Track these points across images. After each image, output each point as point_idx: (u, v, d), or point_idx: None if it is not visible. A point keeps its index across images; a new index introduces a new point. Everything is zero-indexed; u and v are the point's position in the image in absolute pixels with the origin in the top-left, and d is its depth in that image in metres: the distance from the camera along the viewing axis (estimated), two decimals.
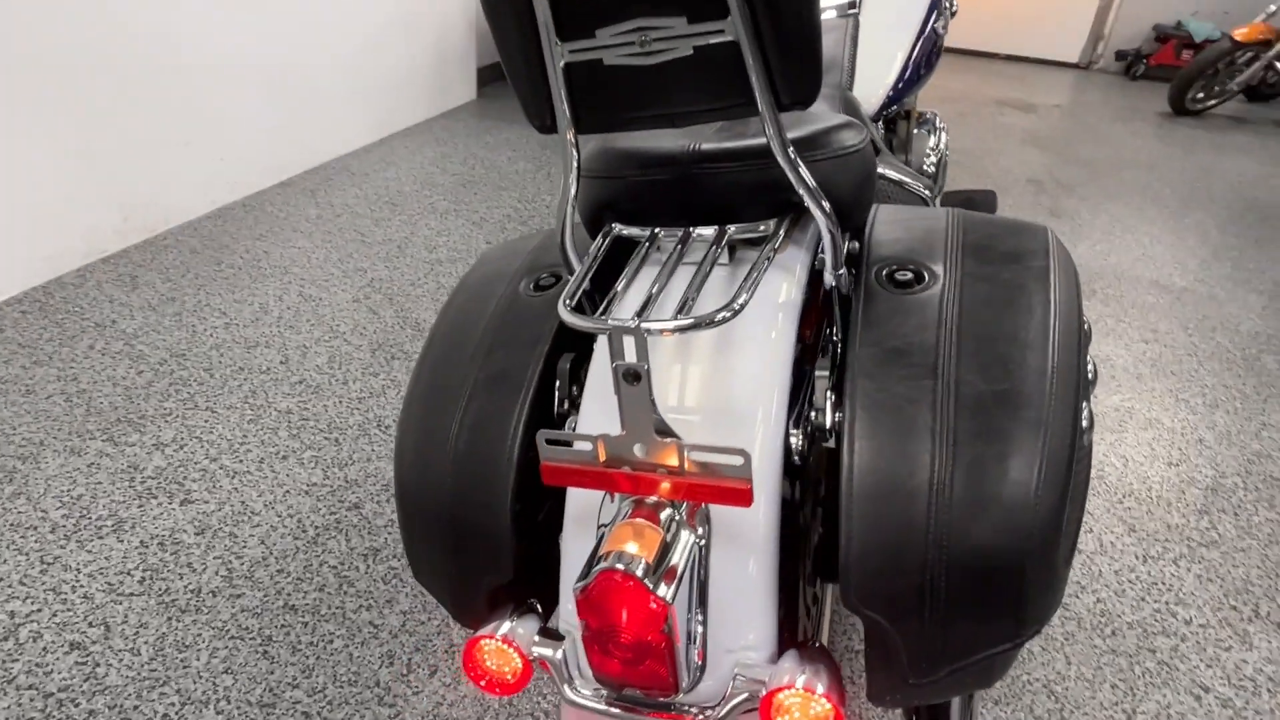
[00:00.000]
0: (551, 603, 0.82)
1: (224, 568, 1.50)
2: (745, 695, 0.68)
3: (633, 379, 0.63)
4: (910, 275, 0.80)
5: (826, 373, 0.79)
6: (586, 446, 0.66)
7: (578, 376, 0.84)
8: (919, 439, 0.67)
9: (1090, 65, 6.00)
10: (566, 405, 0.83)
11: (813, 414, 0.77)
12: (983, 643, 0.67)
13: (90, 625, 1.39)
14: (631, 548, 0.65)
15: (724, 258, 0.81)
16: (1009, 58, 6.14)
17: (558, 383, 0.83)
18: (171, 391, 1.95)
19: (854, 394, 0.71)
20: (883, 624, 0.67)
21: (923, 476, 0.66)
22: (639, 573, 0.63)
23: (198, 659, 1.34)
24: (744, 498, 0.62)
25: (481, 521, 0.77)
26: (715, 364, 0.77)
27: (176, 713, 1.26)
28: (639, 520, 0.67)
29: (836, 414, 0.76)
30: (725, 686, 0.70)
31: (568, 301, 0.72)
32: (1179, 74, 4.81)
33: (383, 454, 1.79)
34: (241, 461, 1.75)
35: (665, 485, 0.65)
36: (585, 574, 0.66)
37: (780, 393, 0.75)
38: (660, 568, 0.64)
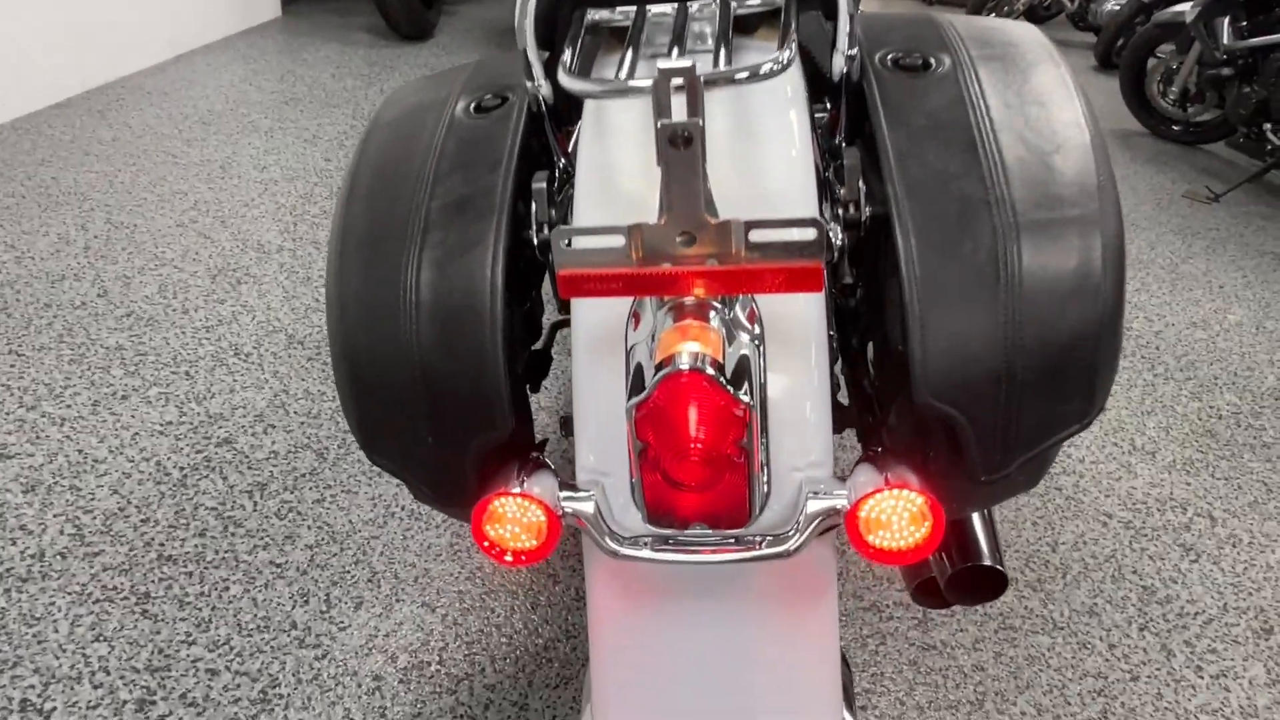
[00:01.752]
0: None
1: (70, 525, 1.24)
2: (822, 515, 0.61)
3: (682, 141, 0.52)
4: (918, 61, 0.74)
5: (849, 162, 0.71)
6: (617, 241, 0.54)
7: (553, 199, 0.72)
8: (975, 213, 0.62)
9: None
10: (546, 230, 0.70)
11: (840, 209, 0.70)
12: (1055, 426, 0.63)
13: None
14: (693, 347, 0.55)
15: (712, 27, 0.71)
16: None
17: (534, 205, 0.70)
18: None
19: (893, 175, 0.64)
20: (956, 418, 0.62)
21: (986, 250, 0.61)
22: (712, 371, 0.54)
23: (56, 631, 1.10)
24: (814, 280, 0.53)
25: (466, 371, 0.64)
26: (736, 147, 0.67)
27: (39, 695, 1.02)
28: (689, 323, 0.57)
29: (868, 207, 0.69)
30: (794, 512, 0.62)
31: (570, 68, 0.60)
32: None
33: (247, 383, 1.55)
34: (69, 406, 1.46)
35: (715, 278, 0.55)
36: (640, 388, 0.55)
37: (810, 177, 0.67)
38: (729, 370, 0.55)
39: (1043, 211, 0.61)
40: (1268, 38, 2.74)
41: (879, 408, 0.80)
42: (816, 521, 0.60)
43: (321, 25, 3.73)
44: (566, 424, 0.76)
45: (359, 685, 1.07)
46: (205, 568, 1.20)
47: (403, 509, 1.33)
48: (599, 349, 0.65)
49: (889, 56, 0.74)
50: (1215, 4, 2.85)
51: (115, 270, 1.84)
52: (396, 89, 0.86)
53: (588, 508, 0.62)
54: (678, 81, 0.48)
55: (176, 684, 1.05)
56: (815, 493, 0.61)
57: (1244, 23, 2.83)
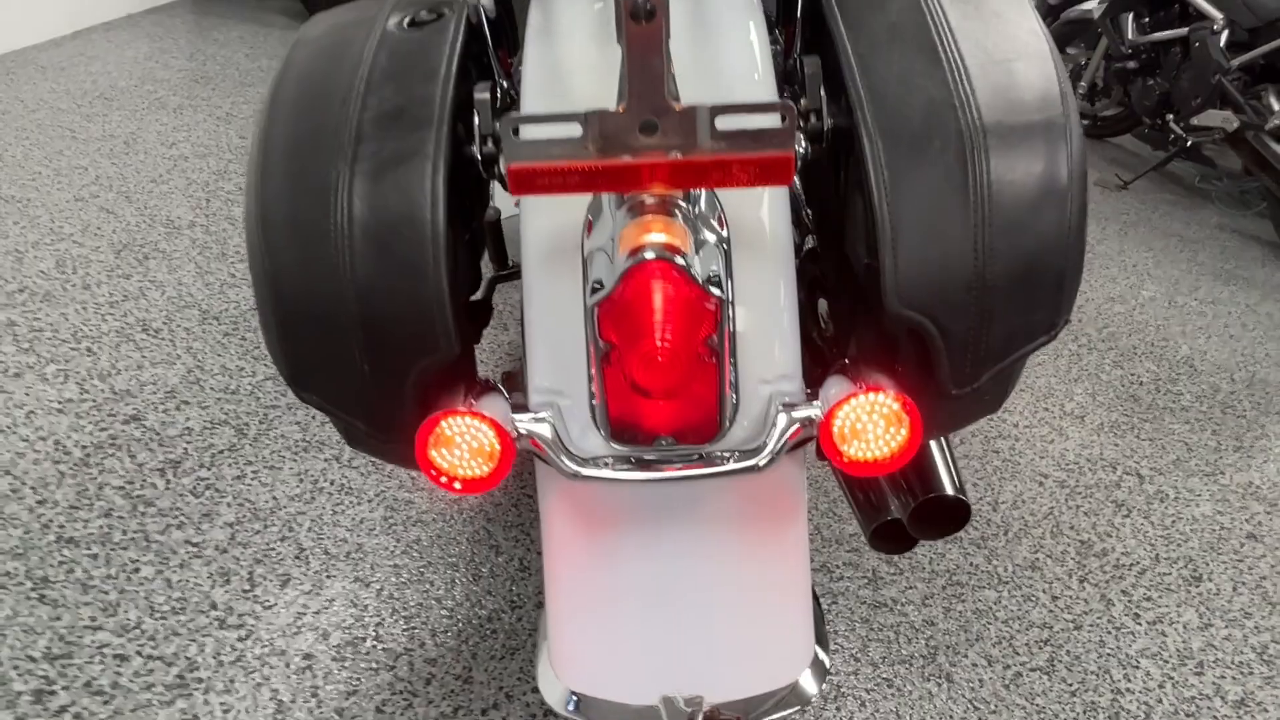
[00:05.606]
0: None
1: None
2: (794, 427, 0.58)
3: (645, 14, 0.48)
4: None
5: (809, 70, 0.69)
6: (572, 130, 0.50)
7: (497, 112, 0.68)
8: (941, 115, 0.60)
9: None
10: (490, 144, 0.66)
11: (801, 120, 0.68)
12: (1025, 336, 0.62)
13: None
14: (659, 237, 0.51)
15: None
16: None
17: (476, 117, 0.66)
18: None
19: (855, 80, 0.62)
20: (928, 328, 0.60)
21: (955, 152, 0.59)
22: (681, 261, 0.50)
23: None
24: (784, 171, 0.50)
25: (404, 287, 0.59)
26: (695, 36, 0.64)
27: None
28: (653, 216, 0.54)
29: (830, 118, 0.67)
30: (763, 427, 0.59)
31: None
32: None
33: (158, 359, 1.44)
34: None
35: (679, 171, 0.51)
36: (600, 287, 0.51)
37: (770, 71, 0.65)
38: (697, 265, 0.52)
39: (1009, 115, 0.60)
40: (1167, 32, 2.87)
41: (837, 333, 0.78)
42: (789, 434, 0.57)
43: (235, 5, 3.56)
44: (510, 379, 0.72)
45: (288, 665, 0.99)
46: (112, 549, 1.10)
47: (332, 484, 1.25)
48: (552, 260, 0.61)
49: None
50: (1120, 1, 2.99)
51: (5, 245, 1.69)
52: (316, 16, 0.80)
53: (544, 429, 0.58)
54: None
55: (80, 672, 0.95)
56: (786, 404, 0.58)
57: (1146, 19, 2.97)
